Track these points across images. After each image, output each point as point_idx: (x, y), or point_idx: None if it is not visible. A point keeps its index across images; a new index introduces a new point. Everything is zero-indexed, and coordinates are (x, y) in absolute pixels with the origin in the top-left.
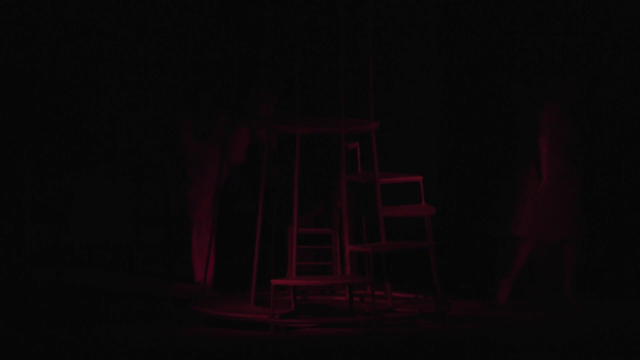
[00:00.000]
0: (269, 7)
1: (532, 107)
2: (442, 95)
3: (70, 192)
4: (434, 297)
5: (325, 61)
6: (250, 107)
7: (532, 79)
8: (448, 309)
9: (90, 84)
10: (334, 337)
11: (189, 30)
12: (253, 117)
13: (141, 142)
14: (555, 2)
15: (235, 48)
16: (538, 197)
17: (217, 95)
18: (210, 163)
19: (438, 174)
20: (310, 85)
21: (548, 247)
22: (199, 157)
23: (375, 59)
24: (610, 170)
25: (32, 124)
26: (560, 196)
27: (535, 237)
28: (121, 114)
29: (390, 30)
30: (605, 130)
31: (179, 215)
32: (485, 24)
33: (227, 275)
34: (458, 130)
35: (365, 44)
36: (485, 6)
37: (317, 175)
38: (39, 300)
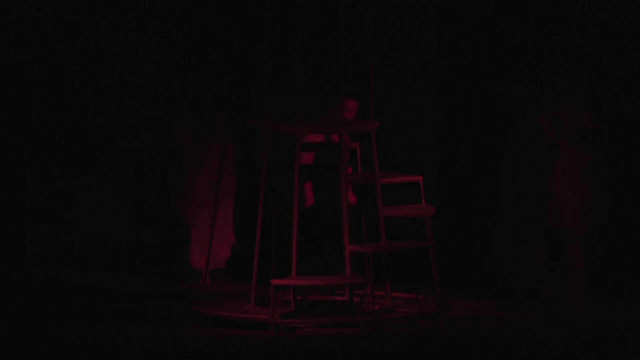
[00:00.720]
0: (269, 7)
1: (532, 106)
2: (442, 95)
3: (70, 192)
4: (434, 297)
5: (325, 61)
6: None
7: (532, 79)
8: (448, 309)
9: (90, 84)
10: (334, 337)
11: (189, 30)
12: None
13: (141, 142)
14: (555, 2)
15: (235, 48)
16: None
17: (217, 95)
18: (210, 163)
19: (438, 174)
20: (310, 85)
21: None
22: (199, 157)
23: (375, 59)
24: (610, 170)
25: (32, 124)
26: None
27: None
28: (121, 114)
29: (390, 30)
30: (605, 129)
31: (178, 215)
32: (485, 24)
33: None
34: (458, 130)
35: (365, 44)
36: (485, 6)
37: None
38: (39, 300)
